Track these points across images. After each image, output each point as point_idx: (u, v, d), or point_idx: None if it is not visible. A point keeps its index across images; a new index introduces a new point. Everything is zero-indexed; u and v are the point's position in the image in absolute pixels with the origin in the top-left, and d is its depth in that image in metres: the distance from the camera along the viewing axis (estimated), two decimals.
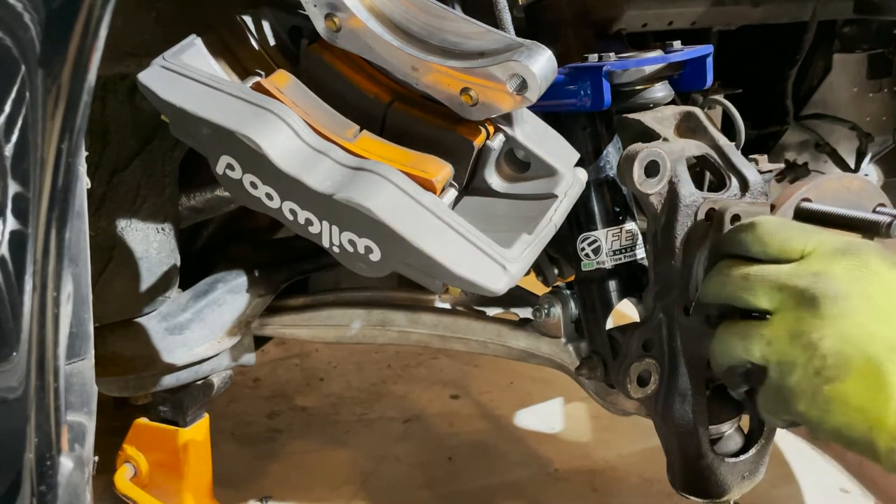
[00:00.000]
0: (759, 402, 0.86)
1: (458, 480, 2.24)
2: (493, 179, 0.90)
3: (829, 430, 0.81)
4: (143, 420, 1.47)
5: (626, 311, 1.13)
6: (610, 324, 1.10)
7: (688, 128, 1.03)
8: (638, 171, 0.96)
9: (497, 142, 0.89)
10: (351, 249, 0.83)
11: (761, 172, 1.01)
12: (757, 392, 0.87)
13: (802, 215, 1.00)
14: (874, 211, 0.91)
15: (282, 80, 0.89)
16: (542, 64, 0.82)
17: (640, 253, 1.09)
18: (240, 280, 1.39)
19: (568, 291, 1.15)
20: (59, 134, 0.70)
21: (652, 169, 0.96)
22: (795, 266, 0.84)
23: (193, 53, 0.90)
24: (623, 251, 1.08)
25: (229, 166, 0.84)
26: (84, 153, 0.73)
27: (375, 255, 0.82)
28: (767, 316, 0.85)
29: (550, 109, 1.01)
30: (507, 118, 0.89)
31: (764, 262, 0.87)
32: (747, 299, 0.85)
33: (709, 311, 0.95)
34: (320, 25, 0.88)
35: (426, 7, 0.87)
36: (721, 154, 1.01)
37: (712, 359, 0.91)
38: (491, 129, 0.89)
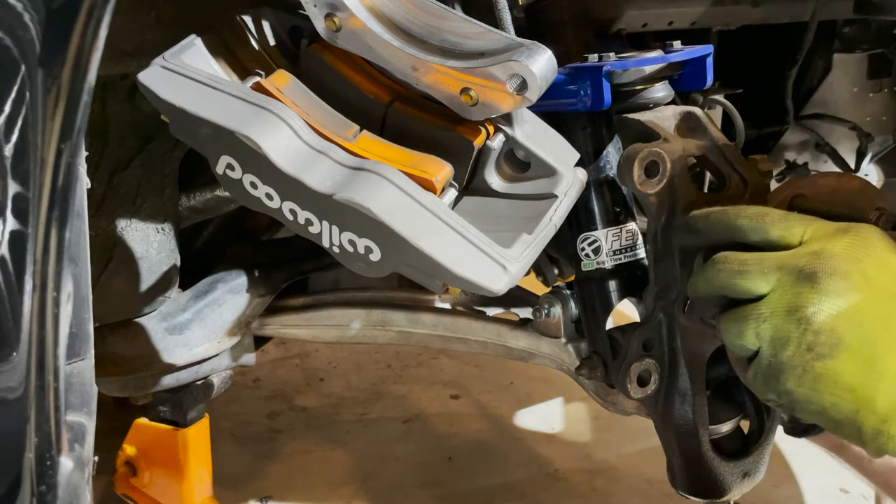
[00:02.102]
0: (749, 378, 0.85)
1: (458, 480, 2.24)
2: (493, 179, 0.90)
3: (814, 411, 0.80)
4: (143, 420, 1.47)
5: (626, 311, 1.13)
6: (610, 324, 1.10)
7: (688, 128, 1.03)
8: (638, 171, 0.96)
9: (497, 142, 0.89)
10: (351, 249, 0.83)
11: (761, 172, 1.01)
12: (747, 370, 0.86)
13: (795, 210, 0.99)
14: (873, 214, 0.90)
15: (282, 80, 0.89)
16: (542, 64, 0.82)
17: (641, 253, 1.09)
18: (240, 280, 1.39)
19: (568, 291, 1.15)
20: (59, 134, 0.70)
21: (652, 169, 0.96)
22: (795, 249, 0.83)
23: (193, 53, 0.90)
24: (623, 251, 1.08)
25: (229, 166, 0.84)
26: (84, 153, 0.73)
27: (375, 255, 0.82)
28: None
29: (550, 109, 1.01)
30: (507, 118, 0.89)
31: (760, 251, 0.86)
32: (744, 284, 0.83)
33: (702, 310, 0.93)
34: (320, 25, 0.88)
35: (426, 7, 0.87)
36: (721, 154, 1.01)
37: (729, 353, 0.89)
38: (491, 129, 0.89)
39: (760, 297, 0.83)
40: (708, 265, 0.88)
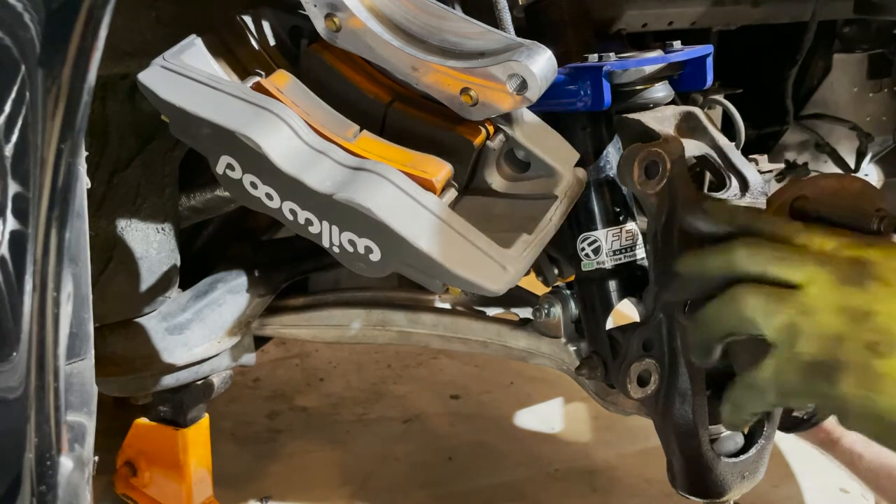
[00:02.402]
0: (768, 376, 0.82)
1: (458, 480, 2.24)
2: (493, 179, 0.90)
3: (870, 415, 0.78)
4: (143, 420, 1.47)
5: (626, 311, 1.13)
6: (610, 324, 1.10)
7: (688, 128, 1.03)
8: (638, 171, 0.96)
9: (497, 142, 0.89)
10: (351, 249, 0.83)
11: (761, 172, 1.01)
12: (741, 370, 0.84)
13: (797, 212, 0.99)
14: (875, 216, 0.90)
15: (282, 80, 0.89)
16: (542, 64, 0.82)
17: (640, 253, 1.09)
18: (240, 280, 1.39)
19: (568, 291, 1.15)
20: (59, 134, 0.70)
21: (652, 169, 0.96)
22: (831, 251, 0.83)
23: (193, 53, 0.90)
24: (623, 251, 1.08)
25: (229, 166, 0.84)
26: (84, 153, 0.73)
27: (375, 255, 0.82)
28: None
29: (550, 109, 1.01)
30: (507, 118, 0.89)
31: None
32: (782, 271, 0.82)
33: (676, 293, 0.91)
34: (320, 25, 0.88)
35: (426, 7, 0.87)
36: (721, 154, 1.01)
37: (708, 319, 0.86)
38: (491, 128, 0.89)
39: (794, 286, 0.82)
40: (731, 246, 0.85)
